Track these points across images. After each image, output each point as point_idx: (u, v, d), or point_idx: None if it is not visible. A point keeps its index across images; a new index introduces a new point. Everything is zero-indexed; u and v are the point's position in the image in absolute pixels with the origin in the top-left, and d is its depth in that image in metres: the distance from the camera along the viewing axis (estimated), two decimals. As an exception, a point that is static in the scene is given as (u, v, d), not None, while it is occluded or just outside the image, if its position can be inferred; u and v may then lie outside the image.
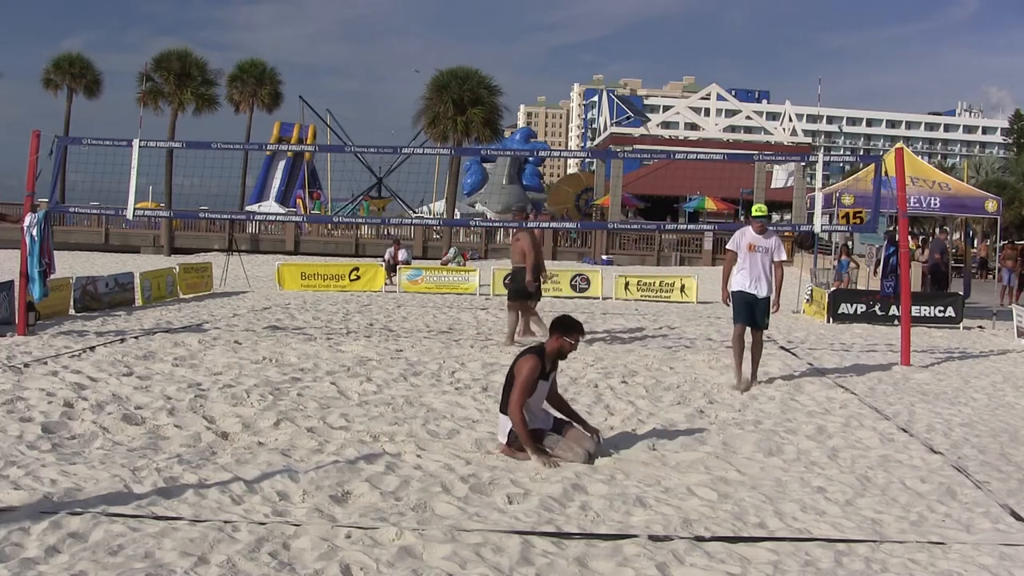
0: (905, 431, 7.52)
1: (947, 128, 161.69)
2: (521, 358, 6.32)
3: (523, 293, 12.03)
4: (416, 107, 44.28)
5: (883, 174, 11.71)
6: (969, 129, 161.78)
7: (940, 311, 16.98)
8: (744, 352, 9.36)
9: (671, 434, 7.11)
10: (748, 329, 9.36)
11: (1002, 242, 23.43)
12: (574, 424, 6.49)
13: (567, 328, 6.40)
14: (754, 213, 9.83)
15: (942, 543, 4.75)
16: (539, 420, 6.37)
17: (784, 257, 9.54)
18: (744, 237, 9.52)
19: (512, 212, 13.31)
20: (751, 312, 9.35)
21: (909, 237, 19.50)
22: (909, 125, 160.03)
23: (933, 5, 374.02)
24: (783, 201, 47.73)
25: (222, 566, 4.10)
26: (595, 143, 52.20)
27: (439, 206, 45.55)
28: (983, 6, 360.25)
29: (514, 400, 6.17)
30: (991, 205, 18.15)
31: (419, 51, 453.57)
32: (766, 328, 9.60)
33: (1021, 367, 11.81)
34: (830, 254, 23.46)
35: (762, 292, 9.35)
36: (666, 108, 73.04)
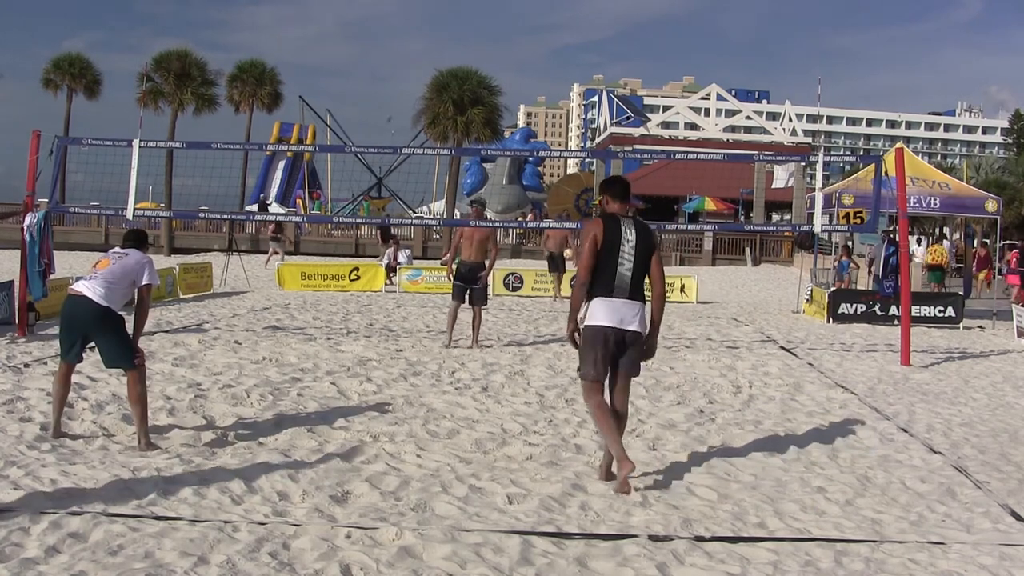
0: (905, 431, 7.52)
1: (947, 128, 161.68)
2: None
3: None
4: (416, 107, 44.35)
5: (883, 174, 11.71)
6: (969, 129, 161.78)
7: (940, 311, 16.99)
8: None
9: (671, 434, 7.11)
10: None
11: (1002, 242, 23.50)
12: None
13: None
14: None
15: (942, 543, 4.75)
16: (621, 312, 5.54)
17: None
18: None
19: (474, 209, 12.76)
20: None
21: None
22: (909, 125, 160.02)
23: (934, 5, 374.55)
24: (783, 201, 47.74)
25: (222, 566, 4.10)
26: (595, 143, 52.18)
27: (439, 206, 45.52)
28: (985, 7, 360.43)
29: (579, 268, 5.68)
30: (991, 205, 18.16)
31: (420, 51, 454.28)
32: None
33: (1021, 367, 11.81)
34: (830, 254, 23.47)
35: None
36: (666, 108, 72.99)
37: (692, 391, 9.05)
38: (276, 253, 29.54)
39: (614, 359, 5.59)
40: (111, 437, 6.50)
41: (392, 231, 27.70)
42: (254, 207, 43.49)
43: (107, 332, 6.16)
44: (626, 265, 5.52)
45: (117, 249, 6.59)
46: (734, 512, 5.18)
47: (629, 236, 5.56)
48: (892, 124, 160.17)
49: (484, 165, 52.84)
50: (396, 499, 5.23)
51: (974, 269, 23.70)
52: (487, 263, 11.83)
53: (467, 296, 11.77)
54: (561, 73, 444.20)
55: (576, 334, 5.66)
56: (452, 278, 12.01)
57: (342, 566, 4.15)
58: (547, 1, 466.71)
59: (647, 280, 5.70)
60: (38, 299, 11.89)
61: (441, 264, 12.12)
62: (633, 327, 5.56)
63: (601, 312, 5.54)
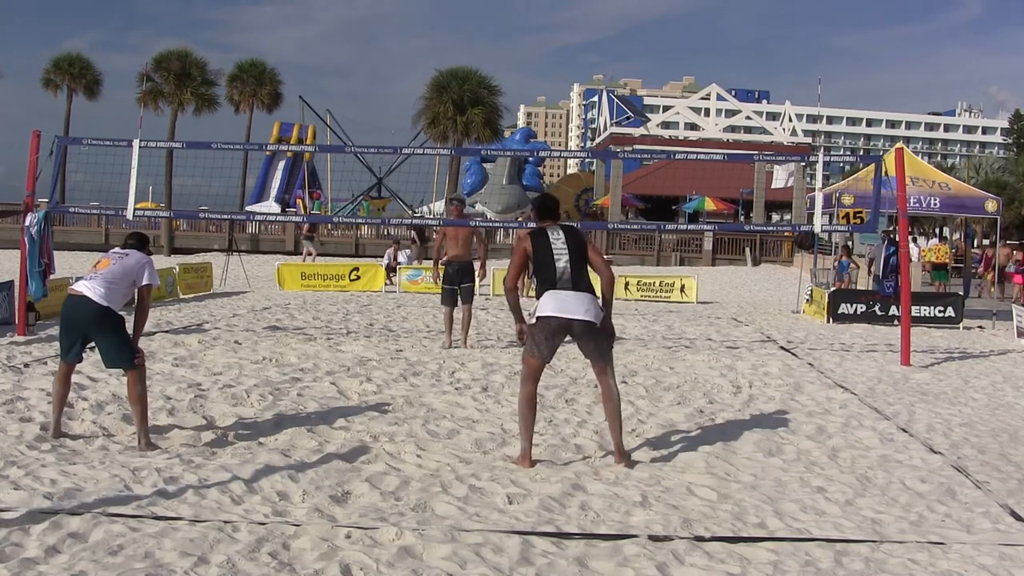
0: (905, 431, 7.52)
1: (947, 128, 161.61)
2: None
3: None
4: (416, 107, 44.39)
5: (883, 174, 11.71)
6: (969, 129, 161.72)
7: (940, 311, 16.98)
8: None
9: (671, 434, 7.11)
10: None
11: (1003, 242, 23.56)
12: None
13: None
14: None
15: (942, 543, 4.75)
16: (567, 302, 5.84)
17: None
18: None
19: (453, 205, 12.84)
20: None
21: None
22: (909, 125, 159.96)
23: (934, 5, 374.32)
24: (783, 201, 47.77)
25: (222, 566, 4.10)
26: (595, 143, 52.19)
27: (439, 206, 45.51)
28: (985, 7, 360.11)
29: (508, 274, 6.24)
30: (991, 205, 18.21)
31: (420, 51, 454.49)
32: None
33: (1021, 367, 11.81)
34: (830, 254, 23.48)
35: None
36: (666, 108, 72.98)
37: (692, 391, 9.05)
38: (310, 254, 29.84)
39: (580, 347, 6.04)
40: (111, 437, 6.50)
41: (424, 231, 28.10)
42: (256, 206, 43.49)
43: (107, 332, 6.16)
44: (563, 259, 5.91)
45: (117, 249, 6.59)
46: (734, 512, 5.18)
47: (556, 235, 6.03)
48: (892, 124, 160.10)
49: (484, 165, 52.90)
50: (396, 499, 5.23)
51: (980, 269, 23.72)
52: (477, 260, 11.84)
53: (457, 297, 11.75)
54: (561, 73, 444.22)
55: (524, 331, 6.08)
56: (439, 281, 11.96)
57: (342, 566, 4.15)
58: (547, 1, 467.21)
59: (595, 273, 6.07)
60: (38, 299, 11.89)
61: (442, 264, 12.08)
62: (580, 316, 5.83)
63: (547, 304, 5.90)
